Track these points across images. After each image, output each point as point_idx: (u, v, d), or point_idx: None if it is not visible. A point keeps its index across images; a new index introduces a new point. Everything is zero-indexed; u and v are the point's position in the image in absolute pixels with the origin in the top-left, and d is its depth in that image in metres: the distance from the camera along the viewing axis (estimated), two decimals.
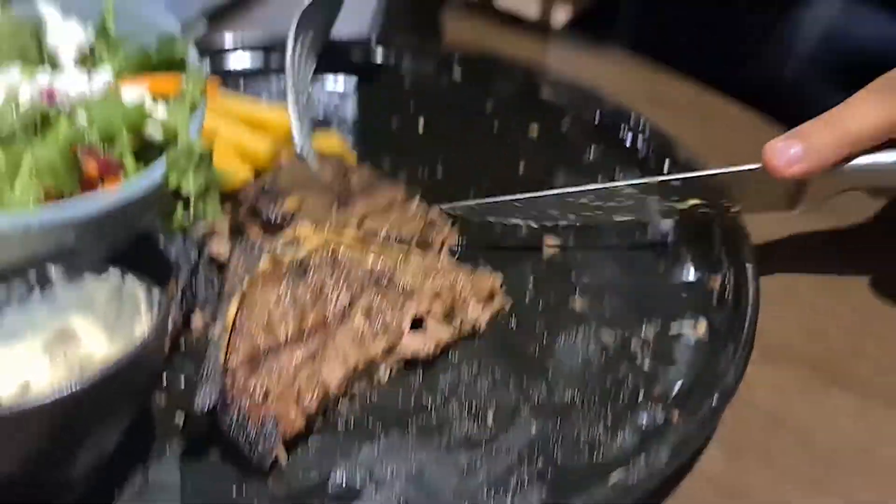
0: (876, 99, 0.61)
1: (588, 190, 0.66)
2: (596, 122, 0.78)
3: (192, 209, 0.59)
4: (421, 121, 0.79)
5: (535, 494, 0.49)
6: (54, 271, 0.51)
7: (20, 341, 0.50)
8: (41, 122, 0.57)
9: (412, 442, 0.52)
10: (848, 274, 0.68)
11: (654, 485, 0.49)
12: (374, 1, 0.97)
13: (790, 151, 0.61)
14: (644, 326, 0.60)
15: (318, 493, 0.50)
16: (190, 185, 0.58)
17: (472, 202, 0.68)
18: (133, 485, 0.50)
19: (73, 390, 0.43)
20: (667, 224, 0.68)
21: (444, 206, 0.68)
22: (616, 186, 0.65)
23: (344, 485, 0.50)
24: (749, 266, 0.63)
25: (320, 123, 0.79)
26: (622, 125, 0.76)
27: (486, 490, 0.50)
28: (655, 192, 0.65)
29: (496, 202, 0.68)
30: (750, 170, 0.63)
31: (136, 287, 0.50)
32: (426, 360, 0.58)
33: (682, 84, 0.86)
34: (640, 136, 0.75)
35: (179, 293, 0.59)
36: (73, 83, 0.58)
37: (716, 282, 0.63)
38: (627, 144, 0.75)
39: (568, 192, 0.66)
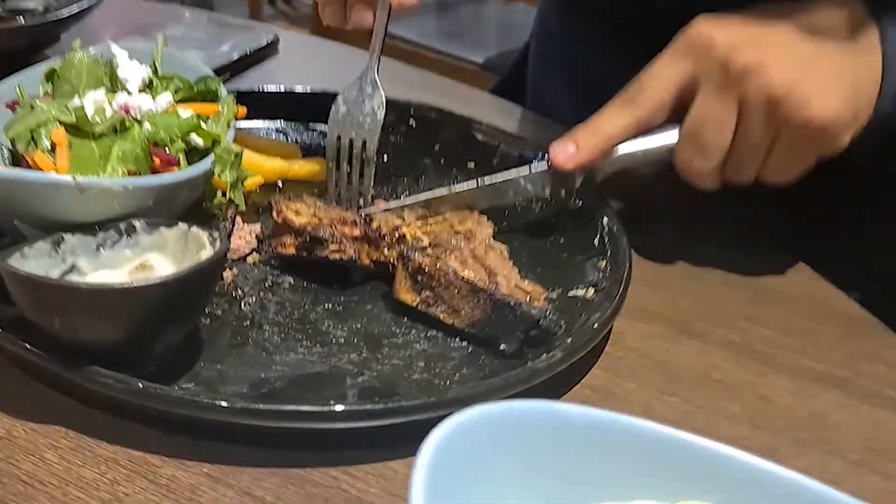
0: (622, 107, 0.85)
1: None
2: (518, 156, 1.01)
3: (227, 195, 0.82)
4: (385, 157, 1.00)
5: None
6: (138, 223, 0.72)
7: (111, 271, 0.71)
8: (120, 127, 0.78)
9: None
10: (695, 261, 0.93)
11: (552, 373, 0.72)
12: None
13: (567, 151, 0.85)
14: (550, 290, 0.83)
15: None
16: (227, 176, 0.80)
17: (409, 200, 0.89)
18: (190, 371, 0.70)
19: (178, 274, 0.66)
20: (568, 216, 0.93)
21: (391, 204, 0.88)
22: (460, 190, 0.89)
23: None
24: (625, 252, 0.86)
25: (309, 153, 1.00)
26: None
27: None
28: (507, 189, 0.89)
29: (426, 199, 0.88)
30: (543, 170, 0.87)
31: (199, 231, 0.71)
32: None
33: None
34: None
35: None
36: (142, 102, 0.80)
37: (602, 262, 0.87)
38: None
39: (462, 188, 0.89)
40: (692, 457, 0.54)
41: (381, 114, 0.89)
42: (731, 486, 0.54)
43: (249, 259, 0.85)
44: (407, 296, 0.80)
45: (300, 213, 0.84)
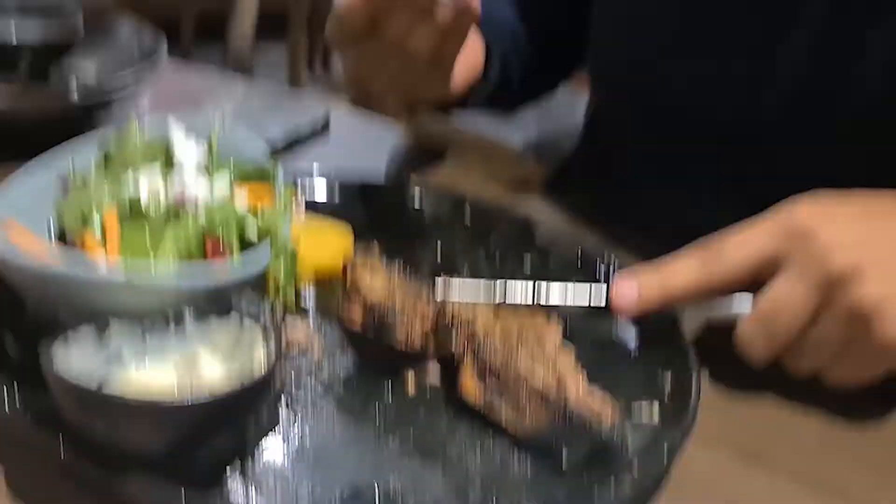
0: (696, 266, 0.81)
1: None
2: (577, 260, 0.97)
3: (280, 293, 0.77)
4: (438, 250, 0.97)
5: None
6: (186, 313, 0.69)
7: (155, 361, 0.67)
8: (173, 212, 0.75)
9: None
10: (767, 383, 0.87)
11: None
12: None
13: (631, 295, 0.81)
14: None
15: None
16: (281, 274, 0.76)
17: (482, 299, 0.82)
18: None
19: (229, 391, 0.61)
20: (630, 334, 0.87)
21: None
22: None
23: None
24: (693, 367, 0.81)
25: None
26: (596, 262, 0.95)
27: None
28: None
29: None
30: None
31: (253, 327, 0.67)
32: None
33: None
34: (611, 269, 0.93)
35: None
36: (198, 190, 0.76)
37: (666, 380, 0.81)
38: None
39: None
40: None
41: None
42: None
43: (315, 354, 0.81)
44: (471, 395, 0.76)
45: (374, 288, 0.80)
